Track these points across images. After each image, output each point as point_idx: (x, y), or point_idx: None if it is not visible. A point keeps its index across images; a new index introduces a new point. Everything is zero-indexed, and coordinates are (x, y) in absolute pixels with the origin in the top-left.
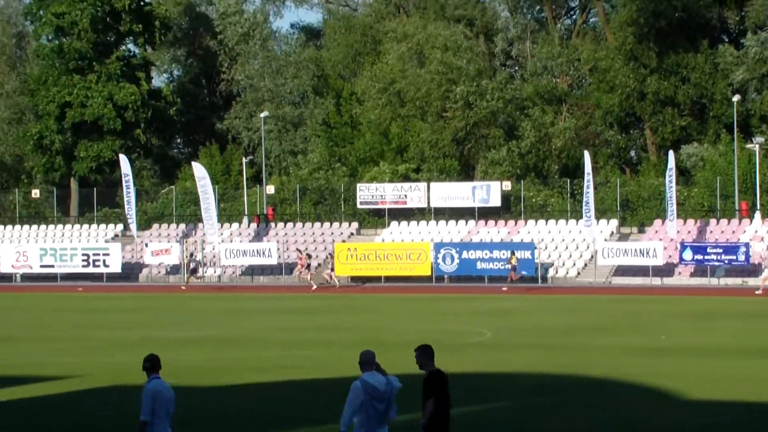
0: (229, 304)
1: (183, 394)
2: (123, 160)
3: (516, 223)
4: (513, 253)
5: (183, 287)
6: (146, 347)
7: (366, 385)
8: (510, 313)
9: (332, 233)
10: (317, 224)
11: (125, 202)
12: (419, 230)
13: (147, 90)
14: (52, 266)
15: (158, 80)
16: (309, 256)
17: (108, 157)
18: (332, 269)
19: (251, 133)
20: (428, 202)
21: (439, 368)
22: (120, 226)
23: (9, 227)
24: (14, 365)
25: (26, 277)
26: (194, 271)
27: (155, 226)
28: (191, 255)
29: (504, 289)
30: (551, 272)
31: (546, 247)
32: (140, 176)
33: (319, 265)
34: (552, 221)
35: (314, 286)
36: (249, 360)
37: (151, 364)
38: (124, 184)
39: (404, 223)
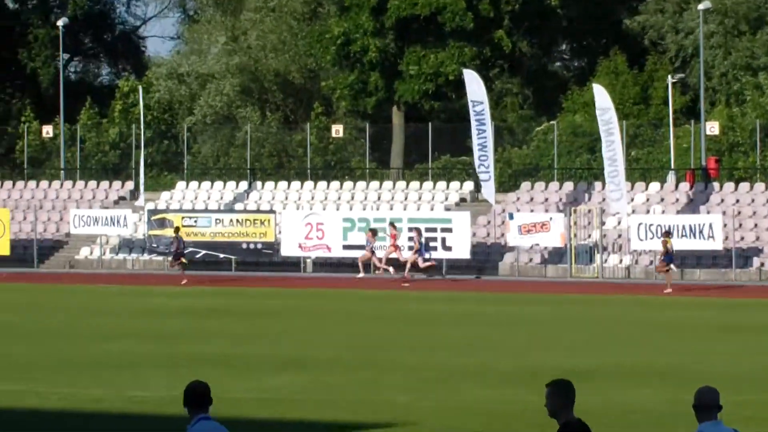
0: (652, 313)
1: None
2: (471, 78)
3: None
4: (668, 233)
5: (184, 282)
6: (508, 377)
7: None
8: None
9: None
10: None
11: (475, 147)
12: None
13: None
14: (361, 248)
15: None
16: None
17: (451, 74)
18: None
19: (681, 38)
20: None
21: (580, 419)
22: (469, 185)
23: (296, 184)
24: (325, 402)
25: (321, 264)
26: (178, 256)
27: (524, 185)
28: (177, 231)
29: (667, 291)
30: None
31: None
32: (501, 105)
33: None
34: None
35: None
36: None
37: (195, 398)
38: (473, 117)
39: None
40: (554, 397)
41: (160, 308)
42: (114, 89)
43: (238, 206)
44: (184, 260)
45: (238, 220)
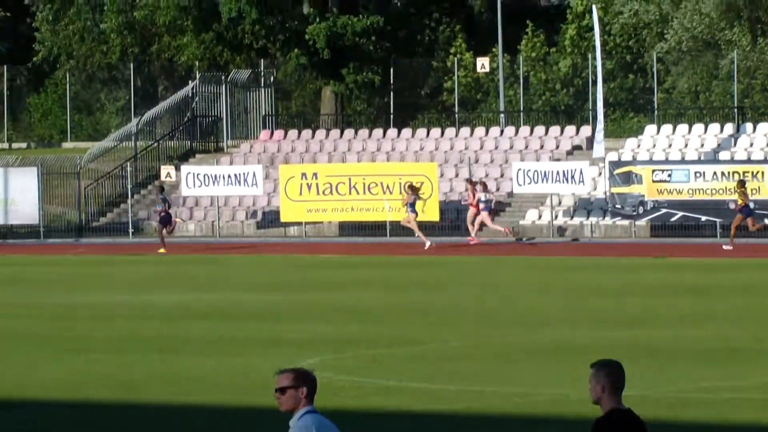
0: None
1: None
2: None
3: None
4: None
5: (161, 251)
6: None
7: None
8: None
9: None
10: None
11: None
12: None
13: None
14: None
15: None
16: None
17: None
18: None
19: None
20: None
21: (630, 408)
22: None
23: None
24: None
25: None
26: (165, 222)
27: None
28: (162, 191)
29: (726, 248)
30: None
31: None
32: None
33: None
34: None
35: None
36: None
37: (299, 385)
38: None
39: None
40: (598, 381)
41: (621, 285)
42: (565, 11)
43: (723, 155)
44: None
45: (723, 173)
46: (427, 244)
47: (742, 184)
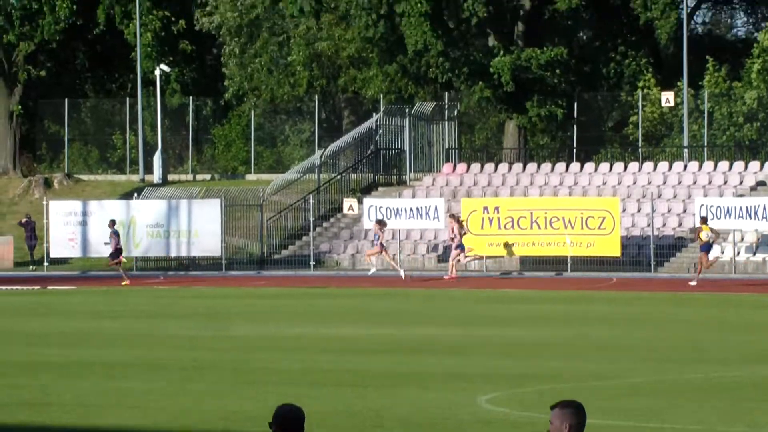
0: None
1: None
2: None
3: None
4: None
5: (125, 283)
6: None
7: None
8: None
9: None
10: None
11: None
12: None
13: None
14: None
15: None
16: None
17: None
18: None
19: None
20: None
21: None
22: None
23: None
24: None
25: None
26: (116, 254)
27: None
28: (113, 224)
29: (692, 283)
30: None
31: None
32: None
33: None
34: None
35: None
36: None
37: (283, 424)
38: None
39: None
40: (563, 421)
41: None
42: (751, 45)
43: None
44: (123, 259)
45: None
46: (403, 275)
47: (704, 220)
